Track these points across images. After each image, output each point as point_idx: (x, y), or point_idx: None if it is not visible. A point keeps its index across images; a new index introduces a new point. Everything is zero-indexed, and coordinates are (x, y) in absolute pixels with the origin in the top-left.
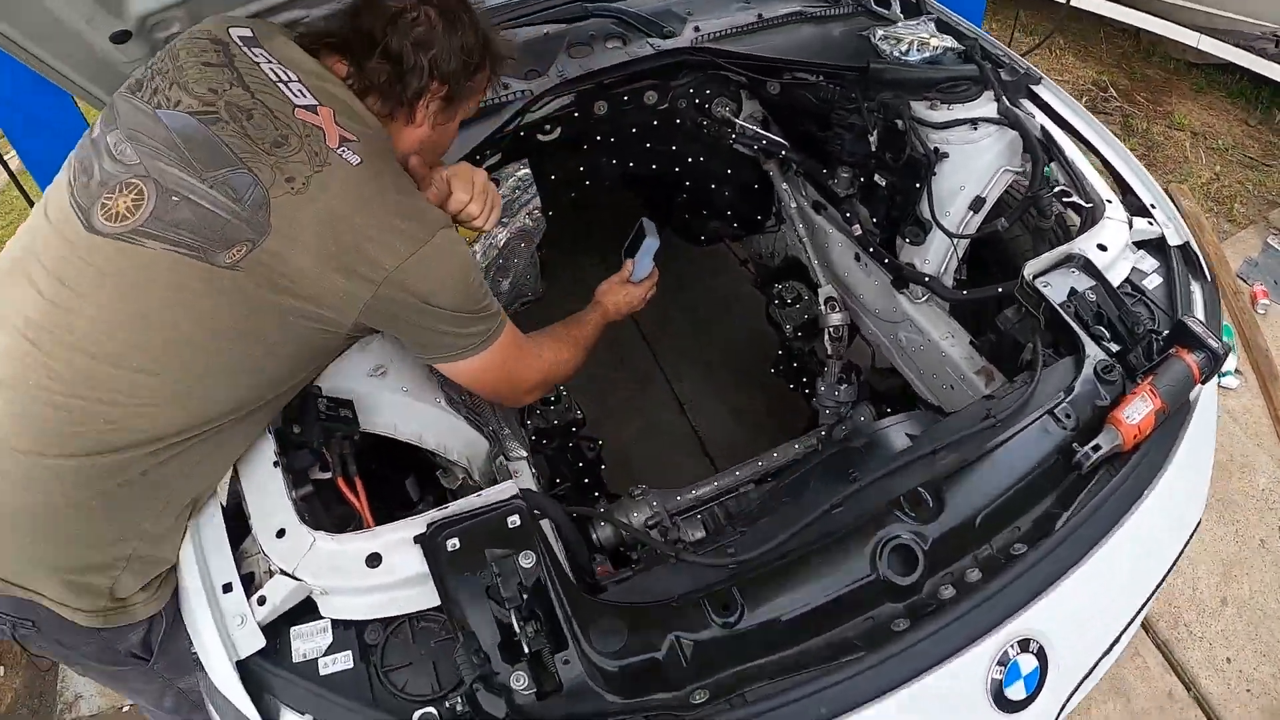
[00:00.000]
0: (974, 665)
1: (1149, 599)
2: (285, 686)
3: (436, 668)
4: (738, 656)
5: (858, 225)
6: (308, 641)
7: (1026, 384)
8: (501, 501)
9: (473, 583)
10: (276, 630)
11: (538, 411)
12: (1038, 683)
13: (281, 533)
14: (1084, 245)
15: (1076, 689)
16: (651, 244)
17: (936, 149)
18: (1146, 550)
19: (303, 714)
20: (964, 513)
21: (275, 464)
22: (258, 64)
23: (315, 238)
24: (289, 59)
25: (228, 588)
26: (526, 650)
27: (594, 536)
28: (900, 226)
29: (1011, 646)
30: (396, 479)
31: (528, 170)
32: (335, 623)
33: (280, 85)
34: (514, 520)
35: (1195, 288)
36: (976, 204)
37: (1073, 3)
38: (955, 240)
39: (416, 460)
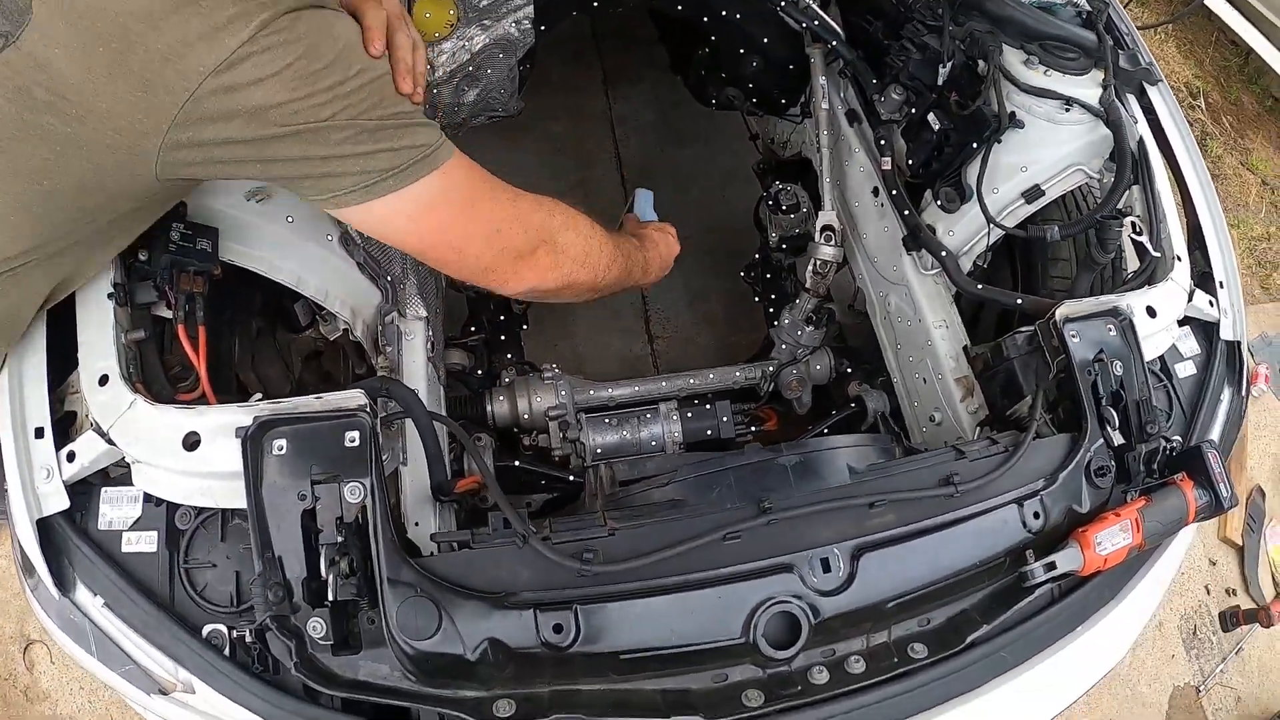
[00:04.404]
0: None
1: None
2: (83, 561)
3: (240, 578)
4: (560, 676)
5: (888, 158)
6: (117, 508)
7: (1007, 453)
8: (344, 411)
9: (289, 501)
10: (87, 485)
11: None
12: None
13: (105, 379)
14: (1134, 302)
15: None
16: (646, 195)
17: (1013, 113)
18: (1049, 691)
19: (95, 595)
20: (875, 593)
21: (109, 295)
22: None
23: (91, 31)
24: None
25: (39, 432)
26: (331, 597)
27: (488, 409)
28: (935, 183)
29: None
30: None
31: None
32: (148, 496)
33: None
34: (352, 438)
35: (1225, 396)
36: (1032, 194)
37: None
38: (991, 226)
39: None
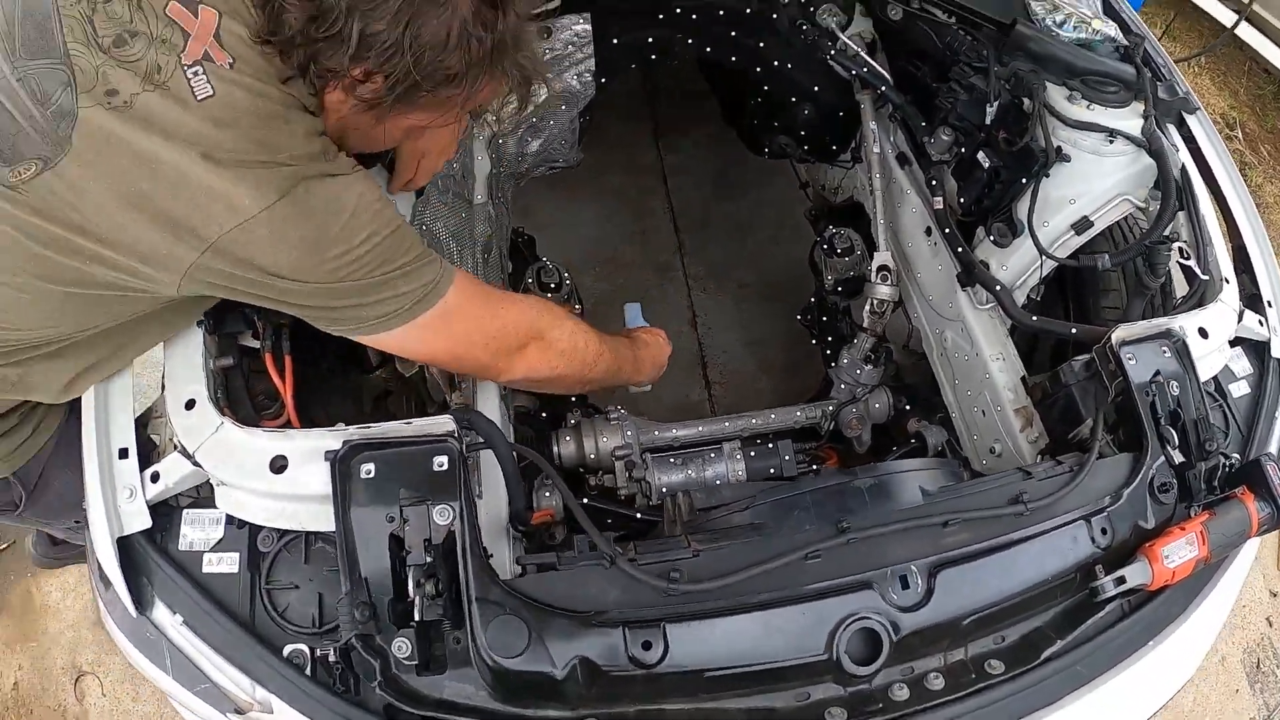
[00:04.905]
0: None
1: None
2: (163, 579)
3: (322, 599)
4: (648, 696)
5: (940, 198)
6: (198, 530)
7: (1072, 472)
8: (433, 437)
9: (377, 523)
10: (168, 508)
11: (529, 283)
12: None
13: (191, 404)
14: (1186, 324)
15: None
16: (637, 310)
17: (1059, 148)
18: (1126, 704)
19: (174, 613)
20: (953, 608)
21: (199, 323)
22: None
23: (124, 173)
24: None
25: (124, 453)
26: (418, 617)
27: (555, 450)
28: (988, 219)
29: None
30: (345, 362)
31: (587, 26)
32: (230, 518)
33: None
34: (441, 463)
35: None
36: (1081, 225)
37: (1236, 30)
38: (1044, 258)
39: None
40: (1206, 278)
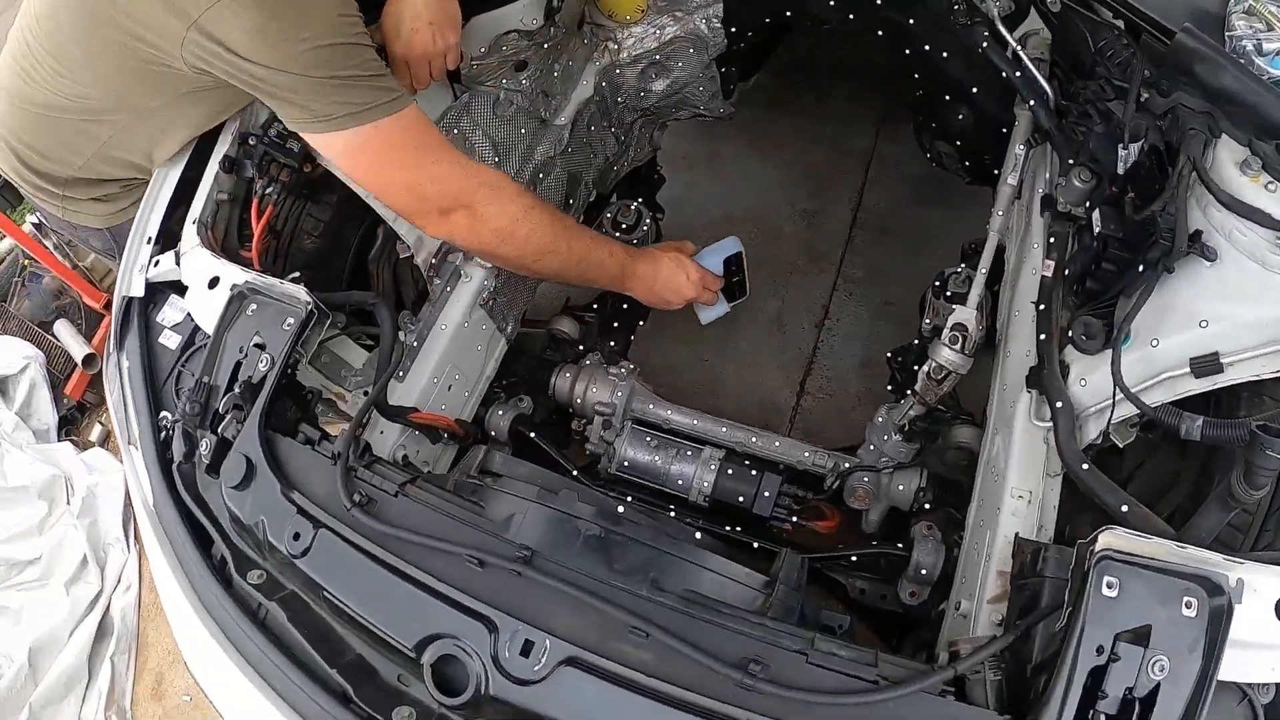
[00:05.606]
0: None
1: None
2: (134, 332)
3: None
4: (297, 581)
5: (1052, 261)
6: (172, 311)
7: (871, 687)
8: (290, 299)
9: (234, 350)
10: (170, 289)
11: (605, 216)
12: None
13: (195, 221)
14: (1263, 583)
15: None
16: (729, 246)
17: (1198, 234)
18: None
19: (126, 359)
20: (567, 714)
21: (220, 162)
22: None
23: None
24: None
25: (150, 240)
26: (219, 431)
27: (553, 380)
28: (1080, 308)
29: None
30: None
31: None
32: (189, 313)
33: None
34: (289, 323)
35: None
36: (1205, 366)
37: None
38: (1118, 391)
39: None
40: None
